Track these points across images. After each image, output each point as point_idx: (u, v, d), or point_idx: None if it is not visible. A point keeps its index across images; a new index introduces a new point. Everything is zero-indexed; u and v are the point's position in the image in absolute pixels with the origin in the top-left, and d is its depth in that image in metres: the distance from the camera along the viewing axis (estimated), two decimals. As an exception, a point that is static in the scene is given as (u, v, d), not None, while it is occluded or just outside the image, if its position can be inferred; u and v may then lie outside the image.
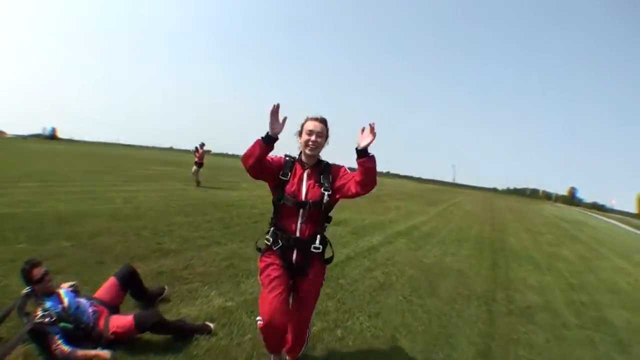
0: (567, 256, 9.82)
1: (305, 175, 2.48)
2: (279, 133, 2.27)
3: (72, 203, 8.23)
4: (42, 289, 2.73)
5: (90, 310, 2.83)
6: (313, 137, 2.43)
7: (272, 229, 2.49)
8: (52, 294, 2.78)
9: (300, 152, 2.55)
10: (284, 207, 2.44)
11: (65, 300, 2.76)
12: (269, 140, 2.26)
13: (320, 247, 2.48)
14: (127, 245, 5.34)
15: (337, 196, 2.46)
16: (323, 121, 2.49)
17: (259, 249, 2.58)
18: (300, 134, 2.52)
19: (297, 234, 2.42)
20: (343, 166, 2.55)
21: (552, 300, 5.54)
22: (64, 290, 2.88)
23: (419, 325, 3.95)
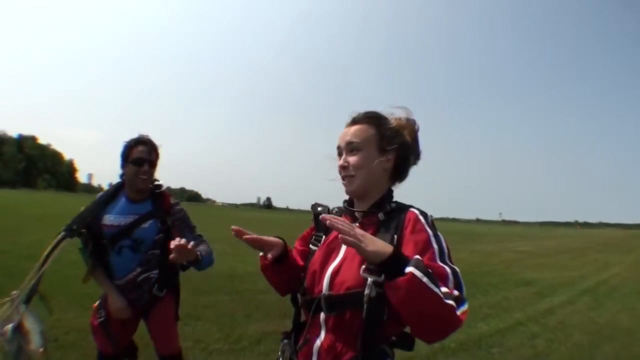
0: None
1: None
2: (277, 253, 1.28)
3: (253, 264, 8.06)
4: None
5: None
6: (341, 160, 1.26)
7: (283, 340, 1.31)
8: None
9: None
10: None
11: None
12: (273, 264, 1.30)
13: None
14: (287, 304, 5.38)
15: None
16: (364, 120, 1.26)
17: None
18: None
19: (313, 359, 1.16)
20: (418, 217, 1.15)
21: None
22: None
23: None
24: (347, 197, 1.33)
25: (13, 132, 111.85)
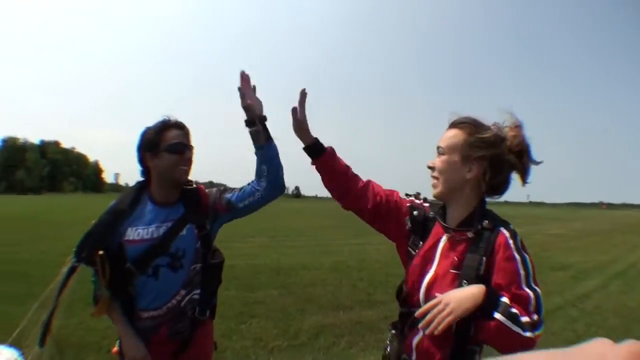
0: None
1: (440, 247, 1.28)
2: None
3: (295, 256, 8.68)
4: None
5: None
6: (430, 161, 1.31)
7: (392, 330, 1.40)
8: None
9: None
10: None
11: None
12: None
13: None
14: (336, 296, 5.56)
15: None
16: (458, 126, 1.27)
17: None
18: None
19: (413, 357, 1.28)
20: (508, 243, 1.18)
21: None
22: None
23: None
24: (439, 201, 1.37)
25: (34, 138, 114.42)
